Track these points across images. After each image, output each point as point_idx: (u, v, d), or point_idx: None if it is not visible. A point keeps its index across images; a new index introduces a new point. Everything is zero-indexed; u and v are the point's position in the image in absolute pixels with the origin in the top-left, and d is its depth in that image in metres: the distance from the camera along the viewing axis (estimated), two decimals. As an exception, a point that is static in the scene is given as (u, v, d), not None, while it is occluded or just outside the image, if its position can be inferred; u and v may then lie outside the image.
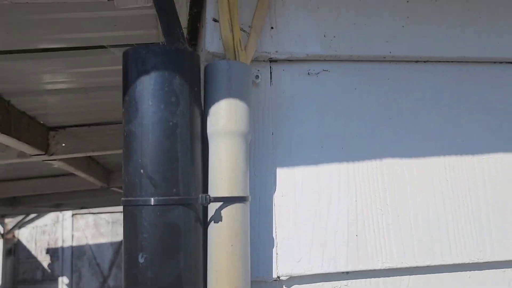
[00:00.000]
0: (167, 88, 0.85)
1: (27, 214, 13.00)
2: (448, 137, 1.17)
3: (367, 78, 1.16)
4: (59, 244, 14.31)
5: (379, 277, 1.11)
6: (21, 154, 3.31)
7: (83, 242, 14.35)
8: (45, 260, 14.10)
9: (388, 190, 1.12)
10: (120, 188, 6.75)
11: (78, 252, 14.29)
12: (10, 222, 13.39)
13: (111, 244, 14.45)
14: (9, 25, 1.67)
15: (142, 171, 0.84)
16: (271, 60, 1.12)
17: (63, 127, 3.39)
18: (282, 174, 1.09)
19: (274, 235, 1.06)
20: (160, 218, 0.83)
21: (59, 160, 3.60)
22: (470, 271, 1.16)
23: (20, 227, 14.04)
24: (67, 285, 13.70)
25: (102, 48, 1.99)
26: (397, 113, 1.16)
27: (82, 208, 12.56)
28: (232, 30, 1.00)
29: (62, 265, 14.17)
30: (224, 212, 0.89)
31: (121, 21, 1.77)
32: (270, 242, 1.05)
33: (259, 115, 1.10)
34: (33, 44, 1.91)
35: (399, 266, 1.10)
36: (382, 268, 1.09)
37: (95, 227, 14.47)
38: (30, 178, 5.85)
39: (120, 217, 14.55)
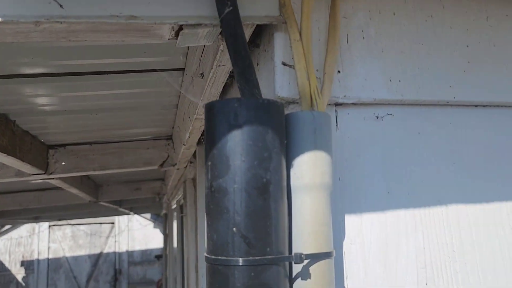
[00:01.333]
0: (261, 143, 0.82)
1: (2, 226, 12.57)
2: (510, 182, 1.17)
3: (430, 123, 1.16)
4: (35, 257, 13.88)
5: (444, 324, 1.10)
6: (19, 173, 3.19)
7: (60, 254, 13.95)
8: (19, 273, 13.64)
9: (455, 237, 1.11)
10: (109, 202, 6.60)
11: (54, 264, 13.88)
12: (-17, 234, 12.92)
13: (89, 256, 14.09)
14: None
15: (234, 229, 0.81)
16: (336, 104, 1.11)
17: (63, 145, 3.29)
18: (350, 221, 1.07)
19: (345, 285, 1.03)
20: (254, 279, 0.80)
21: (57, 179, 3.49)
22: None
23: (-7, 239, 13.58)
24: (43, 299, 13.28)
25: (97, 74, 1.92)
26: (460, 158, 1.16)
27: (60, 219, 12.21)
28: (308, 78, 0.98)
29: (37, 278, 13.73)
30: (312, 269, 0.86)
31: (151, 48, 1.73)
32: (341, 292, 1.03)
33: (327, 160, 1.08)
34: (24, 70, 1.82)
35: (464, 313, 1.10)
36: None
37: (73, 239, 14.10)
38: (16, 192, 5.67)
39: (98, 228, 14.23)
